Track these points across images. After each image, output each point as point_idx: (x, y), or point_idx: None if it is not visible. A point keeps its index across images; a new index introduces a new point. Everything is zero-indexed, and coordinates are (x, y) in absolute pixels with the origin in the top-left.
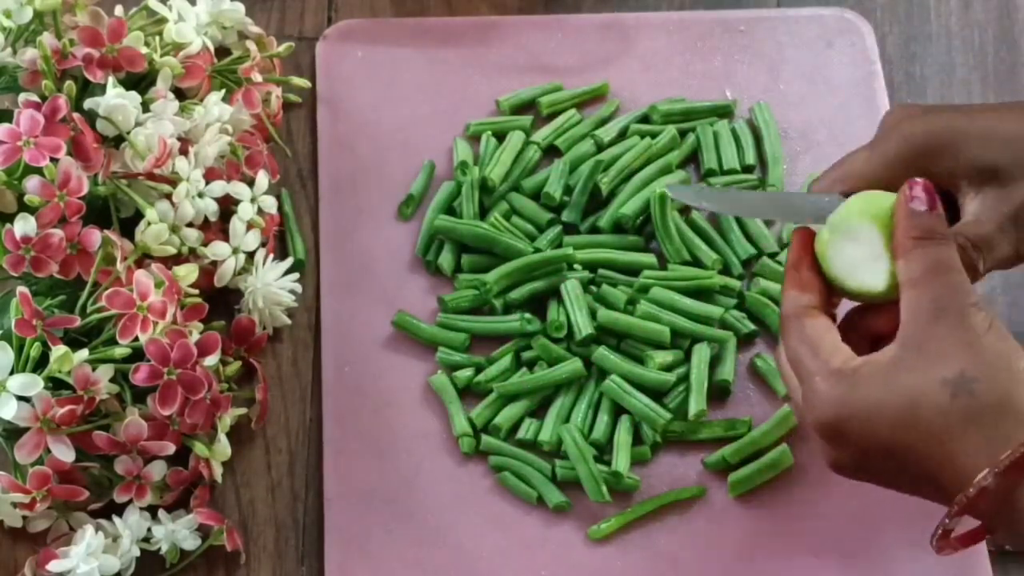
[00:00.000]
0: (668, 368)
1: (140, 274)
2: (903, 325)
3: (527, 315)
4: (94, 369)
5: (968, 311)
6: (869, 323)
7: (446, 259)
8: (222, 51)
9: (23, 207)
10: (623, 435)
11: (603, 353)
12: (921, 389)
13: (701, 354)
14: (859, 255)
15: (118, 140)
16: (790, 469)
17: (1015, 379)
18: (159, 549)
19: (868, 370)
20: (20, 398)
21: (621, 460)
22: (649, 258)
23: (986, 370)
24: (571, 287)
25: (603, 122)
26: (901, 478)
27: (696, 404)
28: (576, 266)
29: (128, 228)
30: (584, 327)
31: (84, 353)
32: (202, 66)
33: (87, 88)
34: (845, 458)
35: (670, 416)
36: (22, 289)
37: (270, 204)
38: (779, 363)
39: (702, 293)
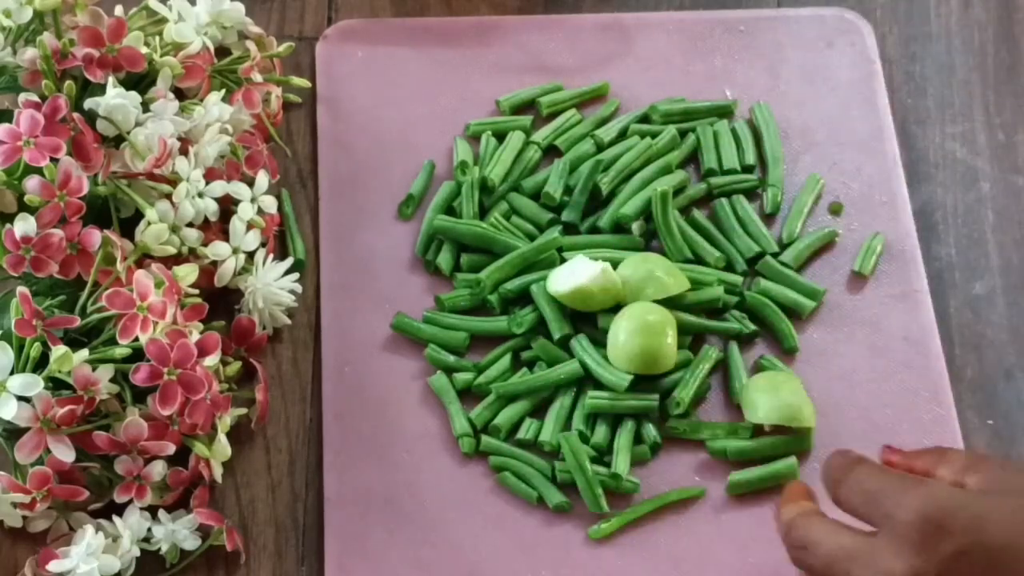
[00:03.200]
0: (675, 368)
1: (140, 274)
2: (971, 481)
3: (518, 315)
4: (94, 369)
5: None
6: None
7: (445, 259)
8: (222, 51)
9: (23, 207)
10: (623, 437)
11: (578, 346)
12: None
13: (707, 354)
14: None
15: (118, 140)
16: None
17: None
18: (159, 549)
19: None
20: (20, 398)
21: (621, 462)
22: None
23: None
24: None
25: (603, 122)
26: None
27: (682, 393)
28: None
29: (128, 228)
30: (558, 328)
31: (84, 353)
32: (202, 66)
33: (87, 88)
34: (934, 566)
35: (657, 397)
36: (22, 289)
37: (270, 204)
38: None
39: (701, 288)
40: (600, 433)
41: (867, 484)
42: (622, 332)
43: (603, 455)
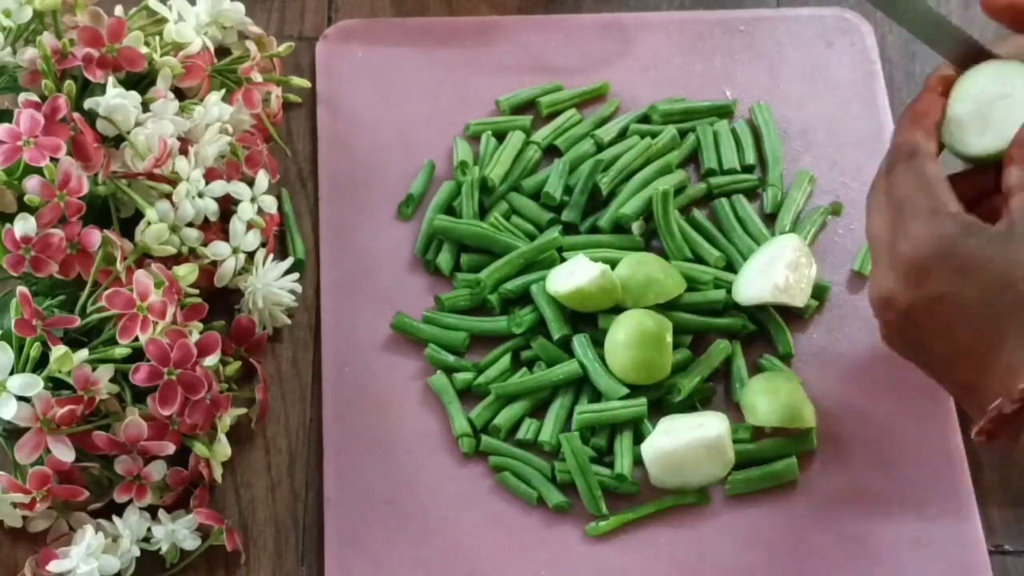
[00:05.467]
0: (672, 373)
1: (140, 274)
2: (1015, 213)
3: (518, 315)
4: (94, 369)
5: None
6: (965, 185)
7: (445, 259)
8: (222, 51)
9: (23, 207)
10: (624, 438)
11: (579, 344)
12: None
13: (718, 348)
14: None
15: (118, 140)
16: (794, 481)
17: None
18: (159, 549)
19: (978, 229)
20: (20, 398)
21: (624, 463)
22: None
23: None
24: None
25: (603, 122)
26: (954, 339)
27: (684, 381)
28: None
29: (128, 228)
30: (558, 328)
31: (84, 353)
32: (202, 66)
33: (87, 88)
34: (905, 298)
35: (645, 401)
36: (22, 289)
37: (270, 204)
38: (872, 201)
39: (697, 288)
40: (600, 433)
41: (905, 184)
42: (620, 343)
43: (603, 455)
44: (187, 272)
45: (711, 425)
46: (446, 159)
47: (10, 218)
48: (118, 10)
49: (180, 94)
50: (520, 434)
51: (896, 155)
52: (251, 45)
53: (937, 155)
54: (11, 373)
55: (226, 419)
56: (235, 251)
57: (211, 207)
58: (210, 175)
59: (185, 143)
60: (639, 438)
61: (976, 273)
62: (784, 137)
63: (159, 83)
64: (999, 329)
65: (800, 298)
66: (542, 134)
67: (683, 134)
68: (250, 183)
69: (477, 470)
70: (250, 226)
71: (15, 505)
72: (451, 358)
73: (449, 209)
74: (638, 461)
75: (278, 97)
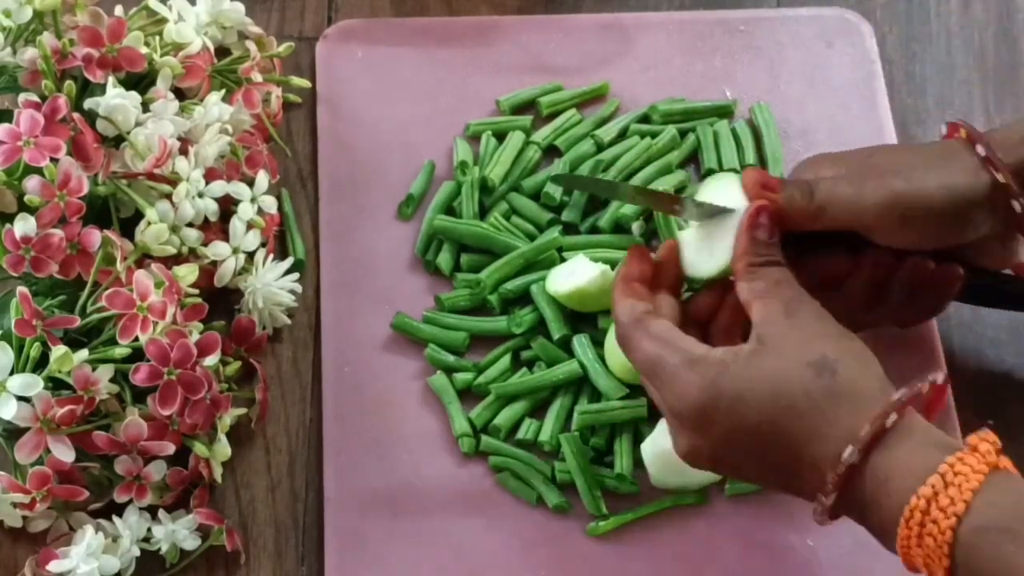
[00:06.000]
0: None
1: (140, 274)
2: (757, 325)
3: (518, 315)
4: (94, 369)
5: (819, 310)
6: (700, 304)
7: (445, 259)
8: (222, 51)
9: (23, 207)
10: (624, 438)
11: (580, 344)
12: (787, 372)
13: None
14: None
15: (118, 140)
16: None
17: (866, 363)
18: (159, 549)
19: (731, 357)
20: (20, 398)
21: (624, 463)
22: None
23: (843, 353)
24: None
25: (603, 122)
26: (761, 460)
27: None
28: None
29: (128, 228)
30: (558, 328)
31: (84, 353)
32: (202, 66)
33: (87, 88)
34: (705, 445)
35: (645, 402)
36: (22, 289)
37: (270, 204)
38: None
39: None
40: (600, 433)
41: (644, 350)
42: (617, 346)
43: (603, 455)
44: (187, 272)
45: None
46: (446, 159)
47: (10, 218)
48: (118, 10)
49: (180, 94)
50: (520, 434)
51: (622, 330)
52: (251, 45)
53: (680, 291)
54: (11, 373)
55: (226, 419)
56: (235, 251)
57: (211, 207)
58: (210, 175)
59: (185, 143)
60: (639, 438)
61: (748, 398)
62: (784, 137)
63: (159, 83)
64: (790, 437)
65: None
66: (542, 134)
67: (683, 134)
68: (250, 183)
69: (477, 470)
70: (250, 226)
71: (15, 505)
72: (451, 358)
73: (449, 209)
74: (638, 461)
75: (278, 97)
